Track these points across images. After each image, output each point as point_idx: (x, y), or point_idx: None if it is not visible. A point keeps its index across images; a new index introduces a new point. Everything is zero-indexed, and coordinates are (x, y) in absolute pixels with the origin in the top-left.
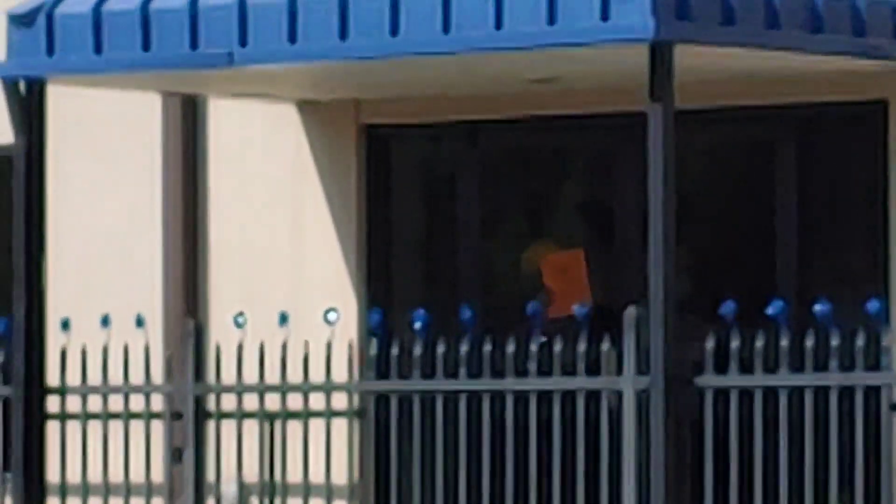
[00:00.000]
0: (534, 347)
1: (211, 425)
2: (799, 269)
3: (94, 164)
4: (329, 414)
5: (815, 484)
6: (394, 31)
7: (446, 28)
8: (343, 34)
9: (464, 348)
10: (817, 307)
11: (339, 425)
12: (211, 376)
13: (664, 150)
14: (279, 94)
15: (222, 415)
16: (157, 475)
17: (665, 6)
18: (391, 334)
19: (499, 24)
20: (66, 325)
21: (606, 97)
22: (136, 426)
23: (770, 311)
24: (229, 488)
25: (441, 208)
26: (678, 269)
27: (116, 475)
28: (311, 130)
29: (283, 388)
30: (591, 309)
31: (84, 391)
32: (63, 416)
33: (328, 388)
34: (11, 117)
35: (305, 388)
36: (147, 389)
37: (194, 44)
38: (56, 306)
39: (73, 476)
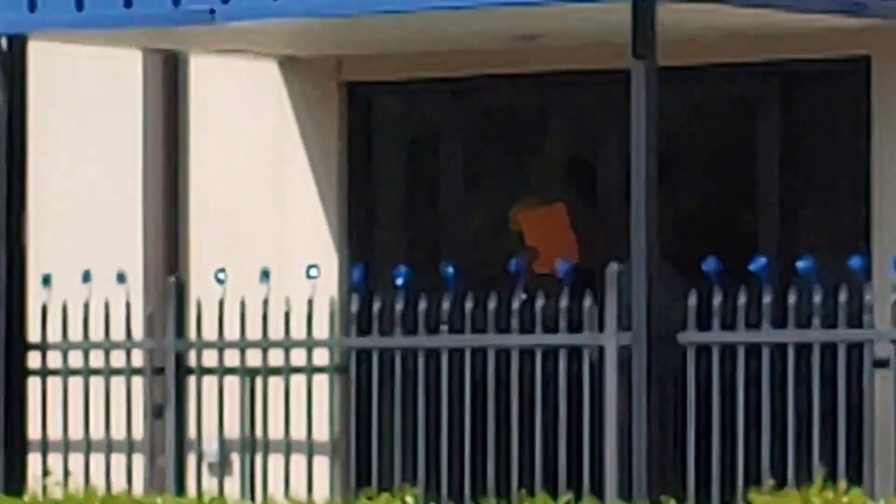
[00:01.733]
0: (516, 304)
1: (192, 381)
2: (782, 226)
3: (75, 121)
4: (310, 370)
5: (798, 440)
6: None
7: None
8: None
9: (445, 305)
10: (800, 263)
11: (321, 381)
12: (192, 332)
13: (647, 107)
14: (261, 51)
15: (203, 371)
16: (138, 431)
17: None
18: (373, 291)
19: None
20: (47, 280)
21: (590, 54)
22: (118, 382)
23: (753, 267)
24: (210, 445)
25: (423, 165)
26: (661, 226)
27: (97, 431)
28: (292, 87)
29: (265, 345)
30: (575, 265)
31: (65, 347)
32: (44, 373)
33: (309, 344)
34: None
35: (287, 345)
36: (128, 345)
37: (176, 0)
38: (37, 262)
39: (55, 432)
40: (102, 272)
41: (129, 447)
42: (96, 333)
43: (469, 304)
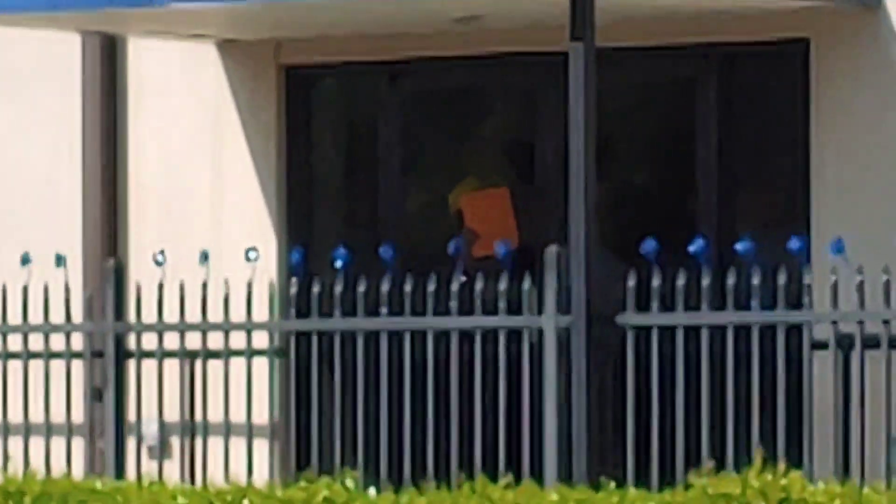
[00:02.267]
0: (455, 286)
1: (131, 364)
2: (720, 208)
3: (13, 103)
4: (249, 353)
5: (737, 421)
6: None
7: None
8: None
9: (385, 287)
10: (739, 245)
11: (260, 364)
12: (131, 315)
13: (585, 90)
14: (200, 34)
15: (143, 354)
16: (78, 415)
17: None
18: (312, 273)
19: None
20: None
21: (528, 36)
22: (57, 365)
23: (692, 248)
24: (150, 428)
25: (362, 148)
26: (599, 208)
27: (37, 415)
28: (231, 70)
29: (204, 327)
30: (515, 248)
31: (4, 330)
32: None
33: (249, 327)
34: None
35: (226, 327)
36: (67, 328)
37: None
38: None
39: None
40: (41, 255)
41: (69, 430)
42: (35, 316)
43: (408, 287)
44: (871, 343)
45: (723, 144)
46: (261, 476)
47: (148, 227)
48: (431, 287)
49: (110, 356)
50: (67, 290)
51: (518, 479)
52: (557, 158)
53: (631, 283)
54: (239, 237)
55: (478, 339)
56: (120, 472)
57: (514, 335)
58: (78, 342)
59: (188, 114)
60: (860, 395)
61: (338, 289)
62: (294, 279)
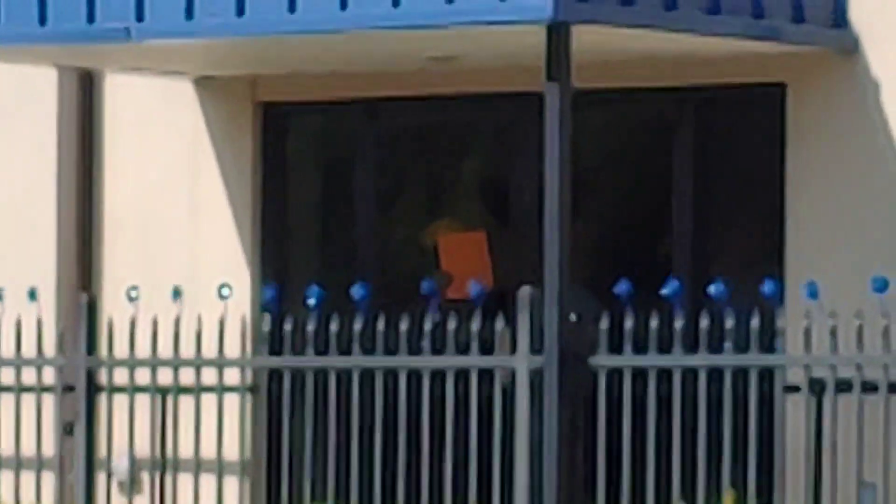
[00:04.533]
0: (427, 325)
1: (103, 399)
2: (695, 250)
3: None
4: (221, 389)
5: (708, 464)
6: (291, 7)
7: (343, 5)
8: (240, 11)
9: (357, 325)
10: (712, 288)
11: (232, 401)
12: (103, 350)
13: (560, 130)
14: (176, 70)
15: (114, 389)
16: (49, 449)
17: None
18: (285, 310)
19: (396, 2)
20: None
21: (505, 76)
22: (28, 399)
23: (665, 291)
24: (120, 462)
25: (338, 186)
26: (574, 249)
27: (7, 448)
28: (207, 106)
29: (176, 363)
30: (489, 289)
31: None
32: None
33: (221, 363)
34: None
35: (198, 363)
36: (39, 362)
37: (91, 18)
38: None
39: None
40: (15, 289)
41: (39, 464)
42: (7, 350)
43: (381, 325)
44: (843, 387)
45: (698, 187)
46: None
47: (122, 261)
48: (404, 326)
49: (81, 390)
50: (40, 323)
51: None
52: (533, 199)
53: (604, 324)
54: (213, 273)
55: (450, 378)
56: None
57: (487, 375)
58: (50, 376)
59: (164, 149)
60: (832, 439)
61: (310, 326)
62: (267, 316)
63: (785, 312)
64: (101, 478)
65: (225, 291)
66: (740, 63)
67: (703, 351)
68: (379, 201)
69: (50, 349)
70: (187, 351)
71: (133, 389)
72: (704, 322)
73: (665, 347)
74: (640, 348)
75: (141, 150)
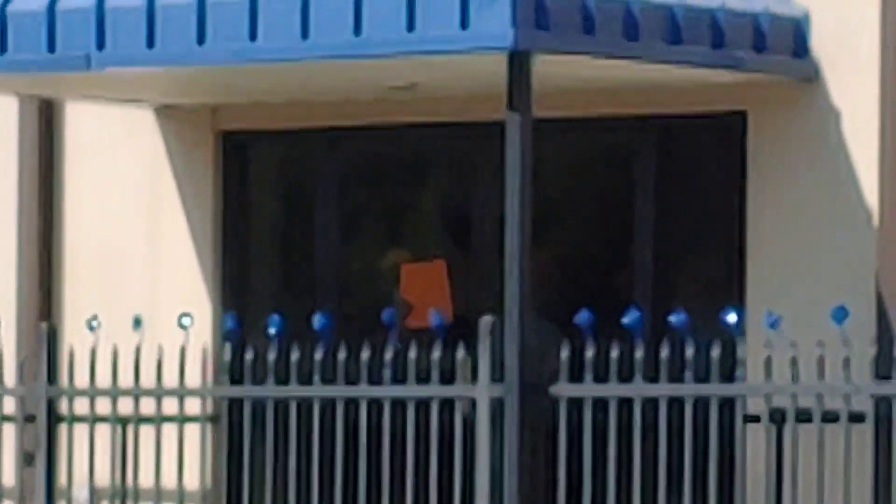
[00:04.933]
0: (388, 355)
1: (63, 429)
2: (655, 280)
3: None
4: (182, 419)
5: (669, 494)
6: (252, 36)
7: (304, 34)
8: (201, 39)
9: (318, 355)
10: (673, 317)
11: (193, 430)
12: (64, 379)
13: (521, 159)
14: (137, 99)
15: (75, 418)
16: (9, 478)
17: (524, 15)
18: (246, 339)
19: (357, 31)
20: None
21: (466, 105)
22: None
23: (626, 320)
24: (81, 493)
25: (299, 214)
26: (535, 278)
27: None
28: (168, 135)
29: (136, 393)
30: (450, 318)
31: None
32: None
33: (181, 392)
34: None
35: (158, 393)
36: (0, 392)
37: (51, 46)
38: None
39: None
40: None
41: (0, 494)
42: None
43: (342, 355)
44: (804, 417)
45: (659, 216)
46: None
47: (83, 290)
48: (365, 356)
49: (42, 420)
50: (0, 353)
51: None
52: (493, 227)
53: (564, 353)
54: (173, 302)
55: (411, 408)
56: None
57: (448, 404)
58: (10, 406)
59: (125, 178)
60: (792, 468)
61: (271, 356)
62: (228, 345)
63: (745, 342)
64: None
65: (185, 321)
66: (701, 92)
67: (663, 380)
68: (340, 230)
69: (10, 379)
70: (148, 380)
71: (94, 419)
72: (665, 351)
73: (626, 377)
74: (600, 378)
75: (102, 179)
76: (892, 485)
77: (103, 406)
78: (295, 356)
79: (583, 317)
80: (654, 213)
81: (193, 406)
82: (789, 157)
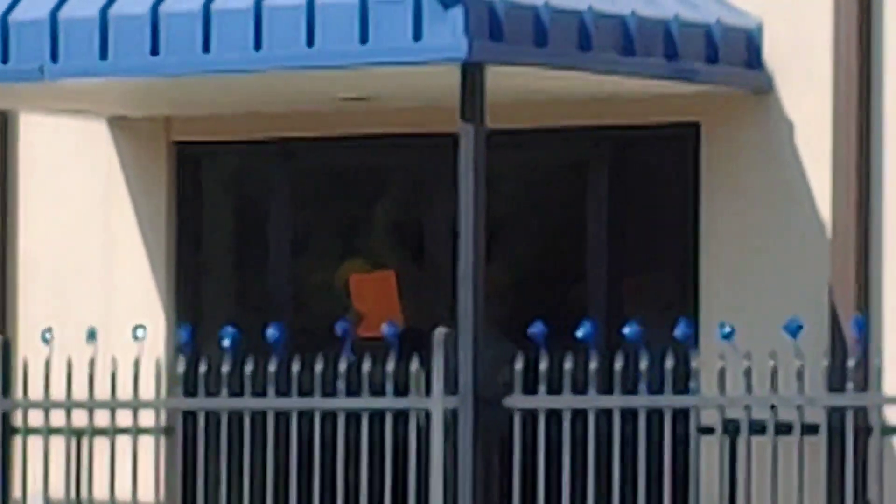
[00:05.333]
0: (342, 367)
1: (18, 441)
2: (609, 291)
3: None
4: (136, 431)
5: None
6: (205, 48)
7: (258, 45)
8: (154, 51)
9: (272, 367)
10: (627, 329)
11: (147, 442)
12: (19, 392)
13: (475, 171)
14: (91, 110)
15: (29, 430)
16: None
17: (478, 27)
18: (200, 351)
19: (311, 42)
20: None
21: (419, 117)
22: None
23: (580, 332)
24: None
25: (252, 226)
26: (490, 290)
27: None
28: (122, 147)
29: (91, 405)
30: (403, 329)
31: None
32: None
33: (135, 405)
34: None
35: (113, 405)
36: None
37: (5, 58)
38: None
39: None
40: None
41: None
42: None
43: (296, 367)
44: (757, 428)
45: (613, 227)
46: None
47: (37, 303)
48: (319, 368)
49: None
50: None
51: None
52: (447, 239)
53: (518, 365)
54: (127, 314)
55: (365, 420)
56: None
57: (402, 416)
58: None
59: (79, 190)
60: (746, 480)
61: (225, 368)
62: (181, 357)
63: (699, 353)
64: None
65: (139, 333)
66: (654, 103)
67: (617, 392)
68: (293, 242)
69: None
70: (102, 393)
71: (48, 431)
72: (619, 363)
73: (580, 388)
74: (554, 389)
75: (55, 191)
76: (846, 496)
77: (58, 418)
78: (249, 368)
79: (537, 329)
80: (607, 224)
81: (147, 418)
82: (742, 169)
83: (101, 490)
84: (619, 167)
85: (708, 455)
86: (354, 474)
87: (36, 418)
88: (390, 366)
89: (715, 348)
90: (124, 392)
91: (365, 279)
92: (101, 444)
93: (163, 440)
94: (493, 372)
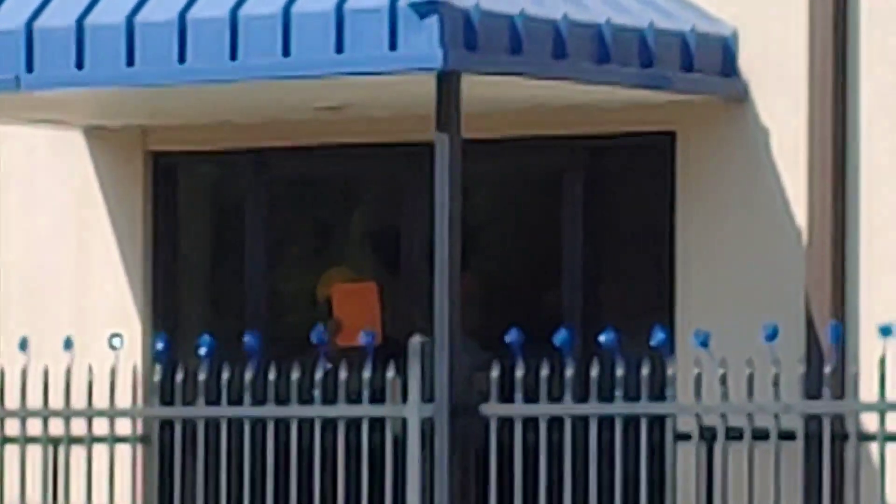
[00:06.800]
0: (318, 375)
1: None
2: (585, 299)
3: None
4: (112, 440)
5: None
6: (181, 58)
7: (234, 55)
8: (130, 61)
9: (248, 375)
10: (603, 337)
11: (123, 451)
12: None
13: (450, 180)
14: (67, 120)
15: (6, 439)
16: None
17: (453, 36)
18: (176, 360)
19: (286, 52)
20: None
21: (395, 126)
22: None
23: (556, 340)
24: None
25: (228, 235)
26: (465, 299)
27: None
28: (97, 157)
29: (67, 414)
30: (380, 338)
31: None
32: None
33: (112, 413)
34: None
35: (89, 414)
36: None
37: None
38: None
39: None
40: None
41: None
42: None
43: (272, 375)
44: (734, 435)
45: (588, 236)
46: None
47: (12, 312)
48: (295, 375)
49: None
50: None
51: None
52: (423, 248)
53: (495, 373)
54: (104, 323)
55: (341, 428)
56: None
57: (378, 424)
58: None
59: (54, 199)
60: (723, 487)
61: (201, 376)
62: (158, 366)
63: (675, 361)
64: None
65: (116, 341)
66: (630, 111)
67: (593, 399)
68: (269, 251)
69: None
70: (78, 401)
71: (24, 440)
72: (595, 371)
73: (556, 396)
74: (530, 397)
75: (31, 200)
76: (823, 503)
77: (34, 427)
78: (225, 376)
79: (512, 336)
80: (583, 232)
81: (124, 427)
82: (718, 177)
83: (77, 499)
84: (594, 175)
85: (684, 462)
86: (331, 482)
87: (12, 427)
88: (366, 374)
89: (691, 355)
90: (101, 401)
91: (348, 290)
92: (78, 452)
93: (139, 449)
94: (470, 380)
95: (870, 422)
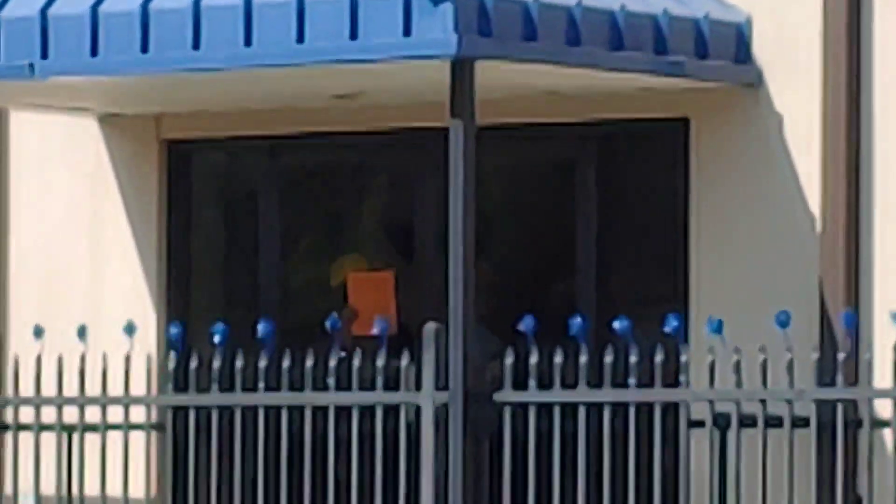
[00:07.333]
0: (332, 362)
1: (9, 437)
2: (599, 286)
3: None
4: (127, 427)
5: (613, 500)
6: (195, 45)
7: (248, 42)
8: (144, 48)
9: (262, 362)
10: (616, 324)
11: (138, 438)
12: (9, 388)
13: (464, 167)
14: (81, 107)
15: (20, 427)
16: None
17: (467, 22)
18: (190, 348)
19: (300, 39)
20: None
21: (409, 113)
22: None
23: (571, 328)
24: (27, 501)
25: (242, 223)
26: (479, 286)
27: None
28: (112, 144)
29: (82, 401)
30: (394, 327)
31: None
32: None
33: (126, 401)
34: None
35: (104, 401)
36: None
37: None
38: None
39: None
40: None
41: None
42: None
43: (286, 362)
44: (747, 422)
45: (602, 222)
46: None
47: (27, 300)
48: (309, 363)
49: None
50: None
51: None
52: (437, 235)
53: (508, 360)
54: (118, 311)
55: (355, 415)
56: None
57: (392, 411)
58: None
59: (69, 187)
60: (736, 473)
61: (216, 364)
62: (172, 354)
63: (689, 348)
64: None
65: (130, 329)
66: (644, 98)
67: (607, 386)
68: (283, 238)
69: None
70: (93, 389)
71: (39, 427)
72: (609, 358)
73: (570, 383)
74: (544, 384)
75: (45, 188)
76: (836, 489)
77: (49, 414)
78: (239, 364)
79: (526, 323)
80: (597, 219)
81: (138, 414)
82: (732, 163)
83: (91, 486)
84: (608, 162)
85: (698, 449)
86: (345, 469)
87: (27, 415)
88: (380, 361)
89: (705, 342)
90: (115, 388)
91: (364, 278)
92: (92, 440)
93: (154, 436)
94: (483, 367)
95: (883, 408)
